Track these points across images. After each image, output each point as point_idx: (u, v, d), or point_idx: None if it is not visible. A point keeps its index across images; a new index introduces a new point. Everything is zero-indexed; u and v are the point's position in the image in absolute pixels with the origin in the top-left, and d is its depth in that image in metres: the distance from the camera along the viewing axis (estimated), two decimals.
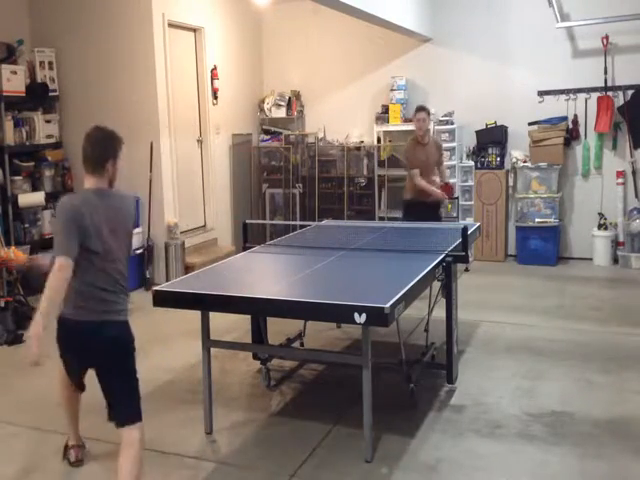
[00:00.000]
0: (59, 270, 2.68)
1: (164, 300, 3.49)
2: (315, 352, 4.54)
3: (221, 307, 3.47)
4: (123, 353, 2.90)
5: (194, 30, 7.57)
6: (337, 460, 3.35)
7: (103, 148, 2.91)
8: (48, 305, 2.66)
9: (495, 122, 7.81)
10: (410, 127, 7.94)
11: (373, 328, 3.21)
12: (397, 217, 7.60)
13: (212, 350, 3.73)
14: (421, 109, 6.24)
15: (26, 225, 6.57)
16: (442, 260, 4.00)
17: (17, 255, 5.68)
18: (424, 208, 6.01)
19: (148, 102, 6.80)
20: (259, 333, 4.36)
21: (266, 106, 8.74)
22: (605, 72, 7.31)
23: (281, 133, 8.70)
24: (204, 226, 7.84)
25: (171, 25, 6.98)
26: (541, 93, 7.67)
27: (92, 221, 2.79)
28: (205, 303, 3.44)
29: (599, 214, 7.52)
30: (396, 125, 8.05)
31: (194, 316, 3.64)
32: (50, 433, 3.75)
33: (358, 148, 8.37)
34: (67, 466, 3.41)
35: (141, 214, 6.69)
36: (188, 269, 6.74)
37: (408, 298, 3.28)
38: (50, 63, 6.91)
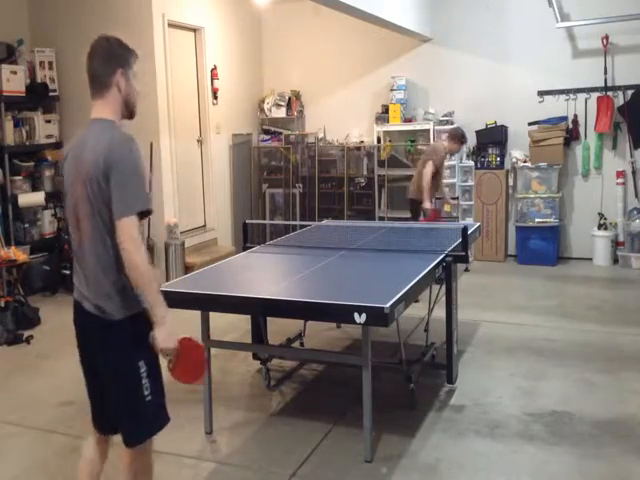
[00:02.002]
0: None
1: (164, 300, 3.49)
2: (315, 352, 4.54)
3: (221, 307, 3.47)
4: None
5: (194, 30, 7.57)
6: (337, 460, 3.34)
7: (108, 58, 2.19)
8: None
9: (495, 122, 7.81)
10: (410, 127, 8.01)
11: (373, 328, 3.21)
12: (397, 217, 7.61)
13: (212, 350, 3.74)
14: (464, 141, 6.55)
15: (26, 225, 6.58)
16: (442, 260, 4.00)
17: (17, 255, 5.69)
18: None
19: (148, 102, 6.79)
20: (259, 333, 4.36)
21: (266, 106, 8.74)
22: (605, 72, 7.31)
23: (281, 133, 8.69)
24: (204, 226, 7.84)
25: (171, 25, 6.98)
26: (541, 93, 7.67)
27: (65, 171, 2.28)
28: (205, 303, 3.44)
29: (599, 214, 7.52)
30: (396, 125, 8.05)
31: (194, 316, 3.64)
32: (50, 433, 3.75)
33: (358, 148, 8.37)
34: (67, 466, 3.40)
35: None
36: (188, 269, 6.74)
37: (408, 298, 3.28)
38: (50, 63, 6.91)
